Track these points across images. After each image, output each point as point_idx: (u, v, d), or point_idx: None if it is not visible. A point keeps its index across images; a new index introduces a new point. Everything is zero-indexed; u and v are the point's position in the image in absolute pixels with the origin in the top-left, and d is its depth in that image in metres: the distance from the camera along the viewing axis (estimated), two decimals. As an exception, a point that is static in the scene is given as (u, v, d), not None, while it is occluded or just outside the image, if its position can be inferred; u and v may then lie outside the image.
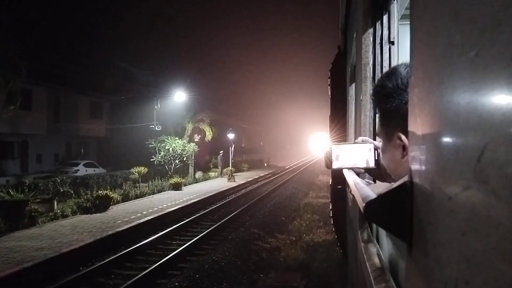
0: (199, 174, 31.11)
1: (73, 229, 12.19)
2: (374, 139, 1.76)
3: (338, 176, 4.16)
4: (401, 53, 1.94)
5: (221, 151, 34.39)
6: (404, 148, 1.04)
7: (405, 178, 0.70)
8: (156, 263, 9.72)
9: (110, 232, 11.63)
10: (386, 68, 1.99)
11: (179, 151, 27.37)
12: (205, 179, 31.02)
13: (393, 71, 1.14)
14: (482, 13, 0.41)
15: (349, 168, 1.58)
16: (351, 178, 1.40)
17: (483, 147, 0.40)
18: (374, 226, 1.66)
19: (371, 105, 2.12)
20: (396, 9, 1.93)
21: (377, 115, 1.21)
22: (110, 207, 15.98)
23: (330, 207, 6.11)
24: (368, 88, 2.14)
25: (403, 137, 1.03)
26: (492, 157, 0.38)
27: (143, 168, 25.46)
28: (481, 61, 0.41)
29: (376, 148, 1.46)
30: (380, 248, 1.38)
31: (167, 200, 18.60)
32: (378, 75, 2.04)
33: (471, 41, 0.43)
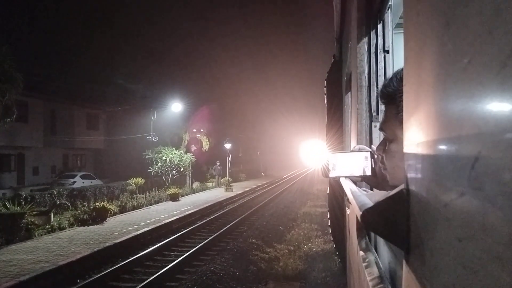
0: (196, 185, 31.04)
1: (70, 241, 12.11)
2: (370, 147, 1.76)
3: (335, 185, 4.15)
4: (396, 61, 1.95)
5: (218, 161, 34.35)
6: None
7: (402, 186, 0.70)
8: (154, 274, 9.65)
9: (107, 244, 11.55)
10: (381, 77, 2.00)
11: (176, 162, 27.35)
12: (203, 190, 30.94)
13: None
14: (473, 21, 0.41)
15: (346, 177, 1.58)
16: (348, 186, 1.40)
17: (477, 154, 0.40)
18: (372, 234, 1.66)
19: (367, 113, 2.12)
20: (390, 18, 1.95)
21: (383, 113, 1.19)
22: (107, 219, 15.90)
23: (328, 216, 6.10)
24: (364, 96, 2.15)
25: None
26: (486, 163, 0.38)
27: (140, 179, 25.41)
28: (473, 68, 0.41)
29: (372, 156, 1.46)
30: (379, 256, 1.38)
31: (165, 211, 18.52)
32: (374, 83, 2.05)
33: (463, 49, 0.44)
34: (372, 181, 1.55)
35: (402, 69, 1.20)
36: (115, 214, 17.06)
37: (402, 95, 1.14)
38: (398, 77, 1.15)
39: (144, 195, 22.72)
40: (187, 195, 26.79)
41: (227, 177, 32.17)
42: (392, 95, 1.16)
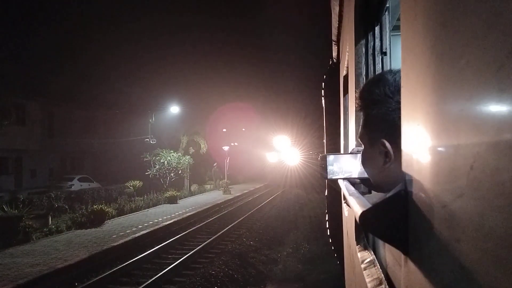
0: (194, 187, 31.02)
1: (68, 244, 12.09)
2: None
3: (333, 187, 4.15)
4: (393, 63, 1.96)
5: (215, 164, 34.33)
6: (386, 154, 1.04)
7: (400, 187, 0.70)
8: (152, 277, 9.63)
9: (105, 247, 11.53)
10: (379, 79, 2.00)
11: (174, 164, 27.32)
12: (201, 192, 30.93)
13: (380, 78, 1.13)
14: (470, 22, 0.41)
15: (344, 179, 1.58)
16: (346, 188, 1.40)
17: (475, 155, 0.40)
18: (371, 235, 1.66)
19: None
20: (387, 20, 1.95)
21: (361, 120, 1.20)
22: (105, 222, 15.89)
23: (327, 218, 6.09)
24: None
25: (387, 143, 1.02)
26: (485, 164, 0.38)
27: (138, 181, 25.37)
28: (471, 69, 0.41)
29: None
30: (377, 258, 1.38)
31: (163, 214, 18.49)
32: (372, 85, 2.05)
33: (461, 50, 0.44)
34: (371, 183, 1.55)
35: (365, 86, 1.21)
36: (113, 217, 17.03)
37: (361, 109, 1.16)
38: (363, 94, 1.16)
39: (142, 198, 22.71)
40: (185, 197, 26.78)
41: (225, 180, 32.16)
42: (360, 108, 1.18)
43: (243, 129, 44.14)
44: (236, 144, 39.98)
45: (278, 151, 45.04)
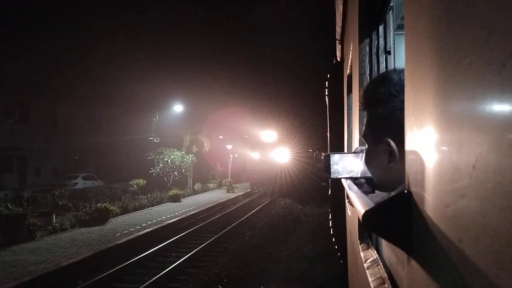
0: (198, 186, 31.05)
1: (72, 242, 12.12)
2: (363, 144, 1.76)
3: (337, 186, 4.15)
4: (397, 62, 1.95)
5: (218, 163, 34.34)
6: (391, 154, 1.03)
7: (403, 187, 0.71)
8: (156, 275, 9.65)
9: (109, 245, 11.56)
10: (383, 78, 1.99)
11: (177, 163, 27.34)
12: (204, 191, 30.95)
13: (385, 77, 1.13)
14: (473, 22, 0.42)
15: (347, 178, 1.58)
16: (349, 187, 1.40)
17: (478, 155, 0.40)
18: (374, 235, 1.66)
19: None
20: (391, 20, 1.95)
21: (365, 119, 1.20)
22: (109, 220, 15.91)
23: (330, 217, 6.09)
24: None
25: (391, 143, 1.02)
26: (487, 164, 0.38)
27: (141, 180, 25.41)
28: (474, 69, 0.42)
29: None
30: (380, 257, 1.38)
31: (166, 212, 18.52)
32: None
33: (464, 50, 0.44)
34: (374, 182, 1.55)
35: (369, 86, 1.20)
36: (116, 215, 17.06)
37: (366, 108, 1.16)
38: (367, 94, 1.15)
39: (145, 196, 22.74)
40: (188, 196, 26.79)
41: (229, 178, 32.16)
42: (364, 107, 1.17)
43: (246, 136, 43.16)
44: (236, 156, 38.58)
45: (270, 148, 41.36)
